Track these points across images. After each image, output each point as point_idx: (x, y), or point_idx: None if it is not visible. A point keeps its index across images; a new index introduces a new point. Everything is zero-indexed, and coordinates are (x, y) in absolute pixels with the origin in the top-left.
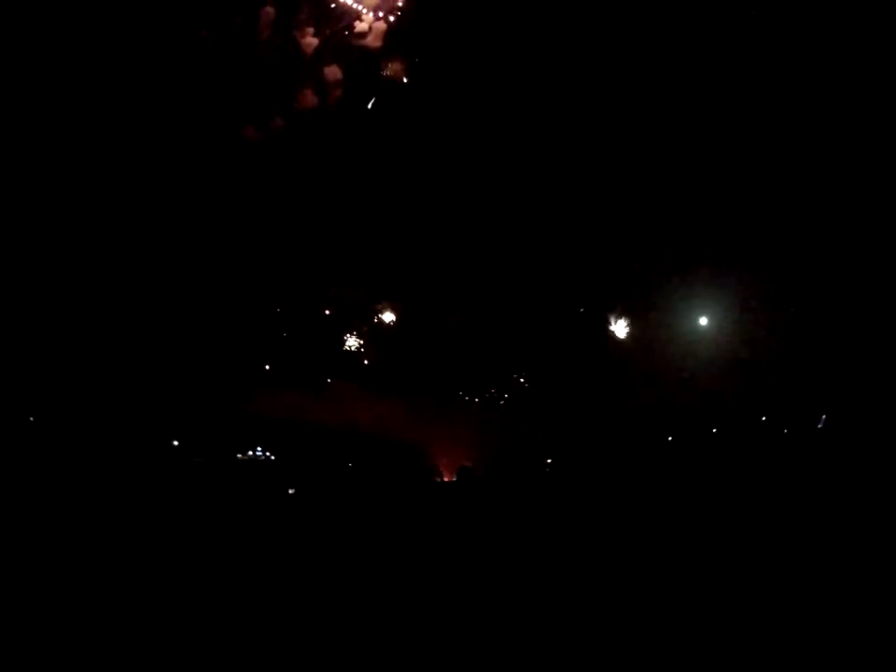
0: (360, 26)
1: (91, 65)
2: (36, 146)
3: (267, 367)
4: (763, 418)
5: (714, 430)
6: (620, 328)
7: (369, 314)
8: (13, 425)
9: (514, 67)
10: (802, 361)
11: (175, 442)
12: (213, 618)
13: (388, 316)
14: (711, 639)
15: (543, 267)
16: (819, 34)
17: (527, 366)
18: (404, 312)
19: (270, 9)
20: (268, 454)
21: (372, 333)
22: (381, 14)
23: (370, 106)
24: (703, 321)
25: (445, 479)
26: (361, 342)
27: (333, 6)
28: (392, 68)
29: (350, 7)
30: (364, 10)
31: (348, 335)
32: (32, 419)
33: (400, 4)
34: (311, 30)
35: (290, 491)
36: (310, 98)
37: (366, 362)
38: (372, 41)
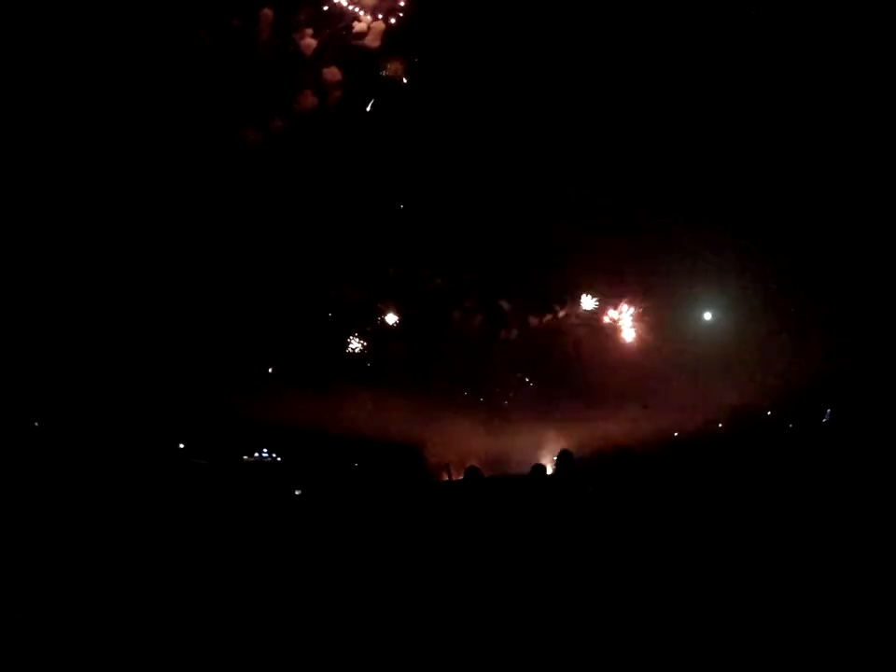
0: (359, 26)
1: (91, 67)
2: (37, 147)
3: (272, 367)
4: (769, 413)
5: (719, 425)
6: (625, 325)
7: (373, 313)
8: (17, 428)
9: (513, 67)
10: (807, 355)
11: (181, 445)
12: (220, 618)
13: (394, 315)
14: (719, 634)
15: (543, 268)
16: (819, 32)
17: (533, 365)
18: (408, 311)
19: (268, 11)
20: (274, 455)
21: (377, 333)
22: (380, 15)
23: (370, 108)
24: (707, 316)
25: (454, 478)
26: (365, 343)
27: (331, 5)
28: (391, 68)
29: (348, 8)
30: (361, 13)
31: (353, 335)
32: (36, 424)
33: (399, 4)
34: (310, 31)
35: (297, 492)
36: (309, 99)
37: (371, 362)
38: (371, 41)
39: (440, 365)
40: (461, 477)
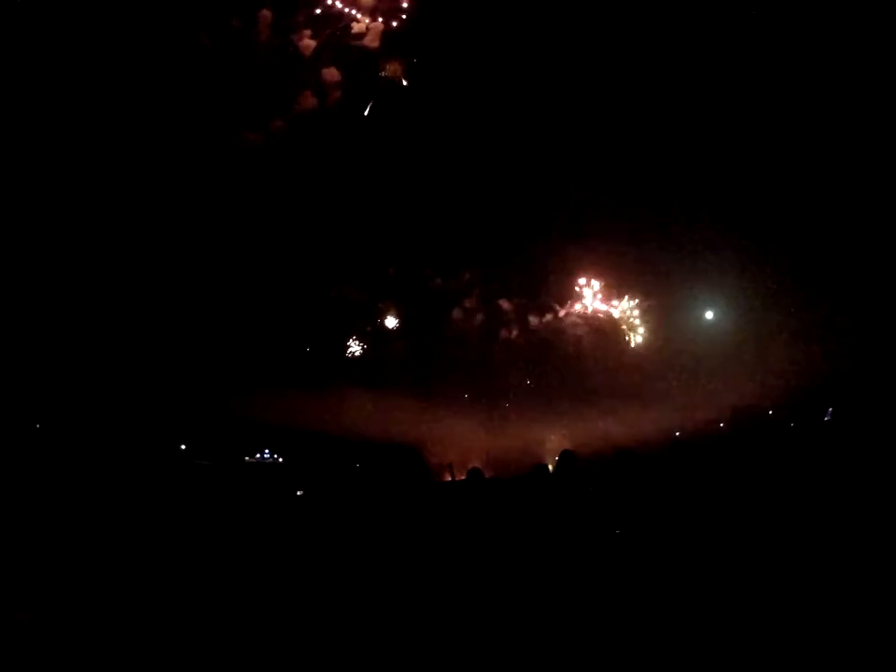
0: (358, 27)
1: (91, 68)
2: (38, 149)
3: (273, 369)
4: (770, 412)
5: (721, 425)
6: (626, 325)
7: (373, 314)
8: (20, 430)
9: (512, 67)
10: (807, 355)
11: (183, 446)
12: (222, 619)
13: (395, 316)
14: (721, 633)
15: (544, 267)
16: (819, 33)
17: (533, 365)
18: (408, 311)
19: (267, 12)
20: (275, 456)
21: (377, 334)
22: (379, 19)
23: (369, 108)
24: (708, 316)
25: (456, 478)
26: (366, 343)
27: (328, 6)
28: (390, 69)
29: (347, 9)
30: (359, 15)
31: (353, 336)
32: (38, 425)
33: (398, 5)
34: (308, 32)
35: (299, 493)
36: (309, 99)
37: (372, 363)
38: (370, 42)
39: (440, 365)
40: (463, 477)
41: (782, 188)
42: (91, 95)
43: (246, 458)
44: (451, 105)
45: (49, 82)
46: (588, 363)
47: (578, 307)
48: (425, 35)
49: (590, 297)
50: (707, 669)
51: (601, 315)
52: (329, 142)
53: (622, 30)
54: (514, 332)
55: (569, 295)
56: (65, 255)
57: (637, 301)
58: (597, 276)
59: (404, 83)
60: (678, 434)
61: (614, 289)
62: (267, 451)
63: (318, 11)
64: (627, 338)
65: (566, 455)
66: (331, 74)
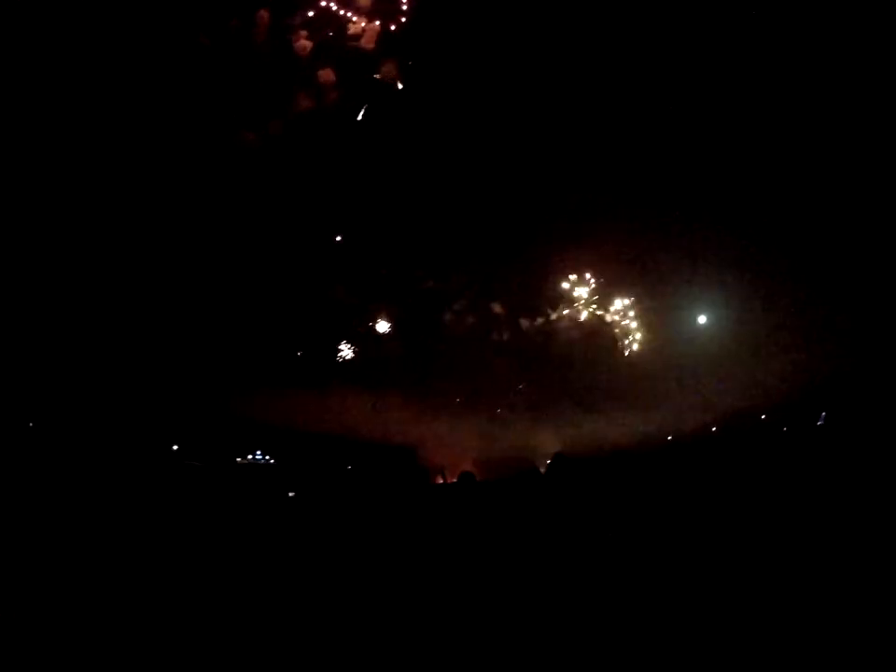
0: (354, 28)
1: (89, 68)
2: (36, 148)
3: (265, 369)
4: (763, 416)
5: (714, 429)
6: (620, 326)
7: (365, 315)
8: (12, 429)
9: (509, 68)
10: (802, 358)
11: (175, 447)
12: (215, 619)
13: (387, 317)
14: (712, 638)
15: (538, 269)
16: (818, 32)
17: (527, 367)
18: (401, 313)
19: (264, 13)
20: (267, 457)
21: (370, 335)
22: (377, 21)
23: (365, 111)
24: (702, 319)
25: (448, 481)
26: (358, 345)
27: (326, 8)
28: (386, 70)
29: (344, 10)
30: (354, 18)
31: (345, 337)
32: (31, 424)
33: (394, 6)
34: (305, 33)
35: (290, 494)
36: (305, 101)
37: (364, 364)
38: (366, 43)
39: (433, 367)
40: (455, 480)
41: (780, 188)
42: (90, 95)
43: (238, 459)
44: (448, 106)
45: (47, 81)
46: (582, 366)
47: (572, 309)
48: (421, 36)
49: (584, 299)
50: (701, 670)
51: (595, 318)
52: (324, 143)
53: (618, 30)
54: (507, 334)
55: (564, 297)
56: (61, 253)
57: (631, 302)
58: (592, 278)
59: (400, 85)
60: (670, 437)
61: (609, 291)
62: (259, 452)
63: (315, 13)
64: (621, 341)
65: (558, 458)
66: (328, 75)
